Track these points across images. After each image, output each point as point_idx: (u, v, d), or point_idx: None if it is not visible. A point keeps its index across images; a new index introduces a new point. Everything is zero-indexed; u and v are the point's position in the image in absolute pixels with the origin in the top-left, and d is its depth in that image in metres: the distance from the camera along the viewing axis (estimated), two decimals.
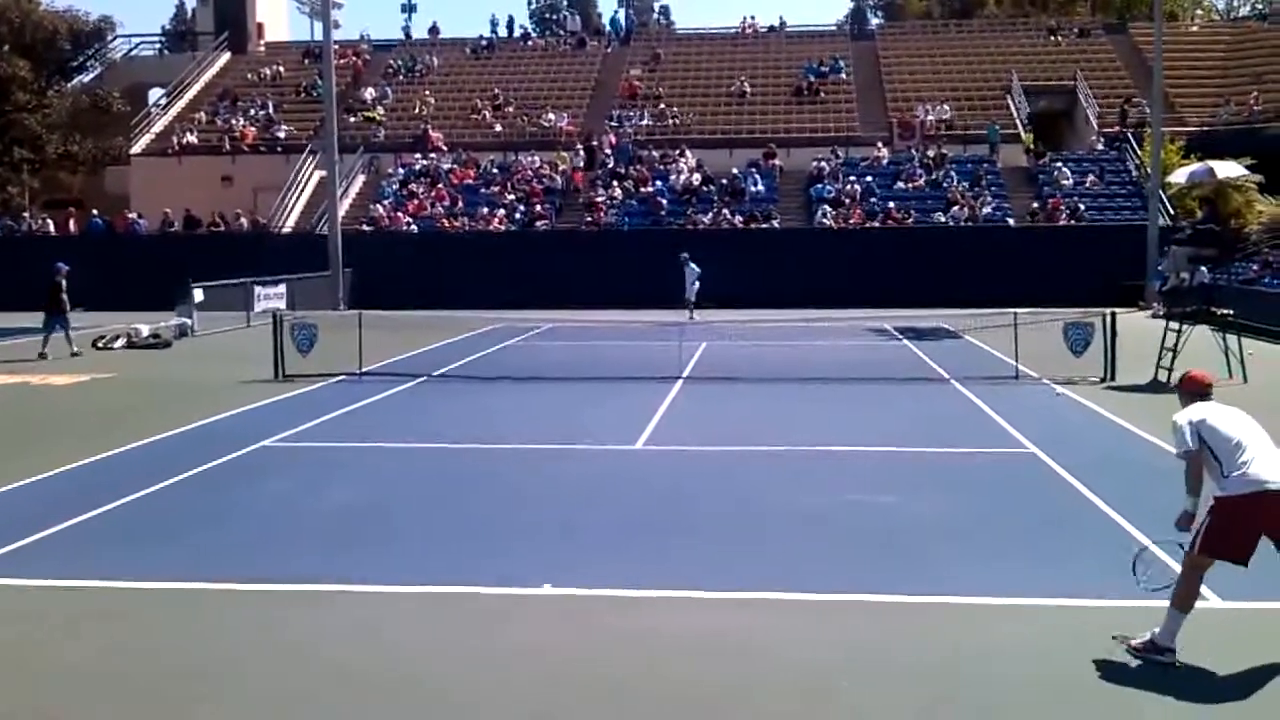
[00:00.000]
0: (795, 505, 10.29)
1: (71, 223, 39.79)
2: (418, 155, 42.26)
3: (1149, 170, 34.05)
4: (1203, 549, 6.43)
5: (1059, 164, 38.88)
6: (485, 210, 38.09)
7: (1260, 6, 59.76)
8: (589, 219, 37.42)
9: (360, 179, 41.95)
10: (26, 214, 42.64)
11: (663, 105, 45.04)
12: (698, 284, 30.44)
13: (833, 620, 7.26)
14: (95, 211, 39.99)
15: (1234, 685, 6.21)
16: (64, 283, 23.14)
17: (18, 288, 34.46)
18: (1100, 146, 40.14)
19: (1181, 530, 6.51)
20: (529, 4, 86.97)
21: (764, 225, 36.59)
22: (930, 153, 39.74)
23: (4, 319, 31.18)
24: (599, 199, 38.18)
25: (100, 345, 23.96)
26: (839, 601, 7.55)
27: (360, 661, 6.58)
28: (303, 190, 41.10)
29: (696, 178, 39.22)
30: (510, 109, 45.70)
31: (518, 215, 38.19)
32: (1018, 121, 41.97)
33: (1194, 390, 7.06)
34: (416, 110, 45.92)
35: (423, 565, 8.51)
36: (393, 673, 6.44)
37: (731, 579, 7.95)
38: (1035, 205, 36.80)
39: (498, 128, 44.51)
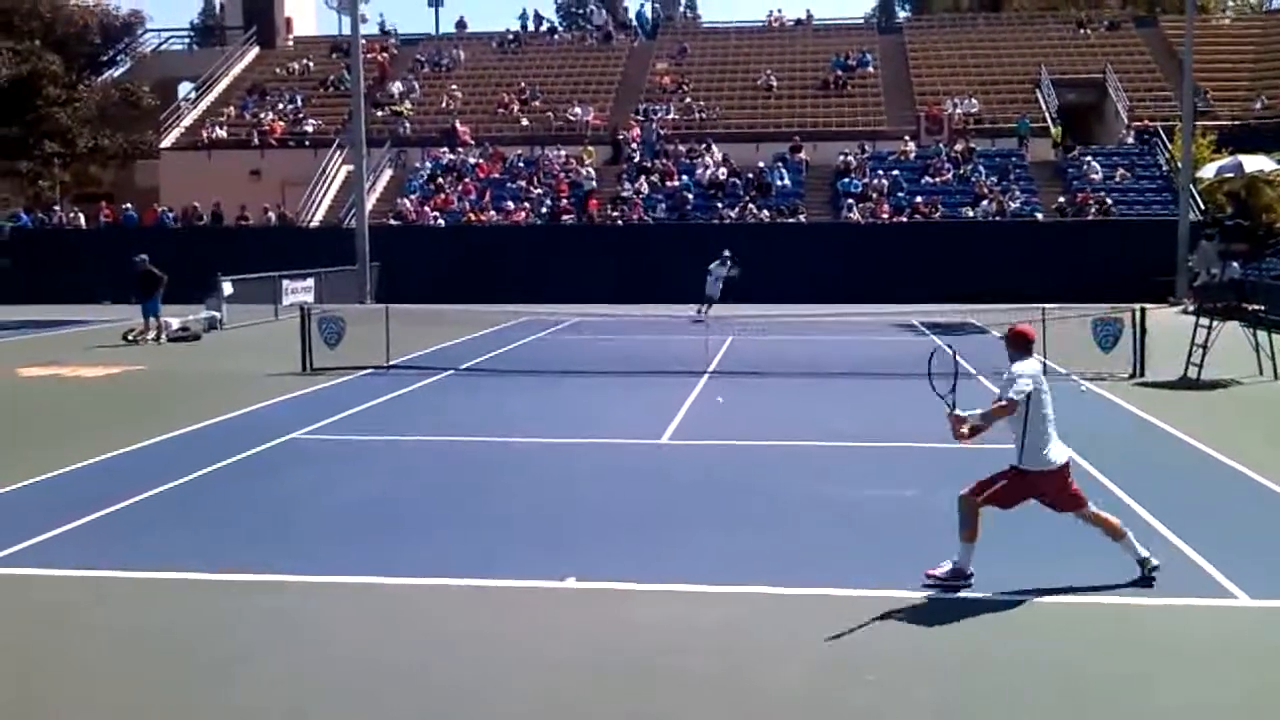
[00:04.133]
0: (819, 499, 10.28)
1: (102, 216, 40.07)
2: (445, 149, 42.35)
3: (1179, 164, 33.76)
4: (987, 500, 7.55)
5: (1088, 158, 38.60)
6: (511, 204, 38.15)
7: None
8: (615, 213, 37.39)
9: (387, 173, 42.10)
10: (57, 207, 43.01)
11: (689, 99, 44.98)
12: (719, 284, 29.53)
13: (856, 614, 7.23)
14: (129, 205, 40.28)
15: (1259, 683, 6.17)
16: (155, 271, 24.41)
17: (47, 279, 35.01)
18: (1130, 140, 39.84)
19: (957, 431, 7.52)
20: None
21: (790, 220, 36.50)
22: (958, 147, 39.51)
23: (41, 311, 31.53)
24: (625, 193, 38.17)
25: (130, 338, 24.16)
26: (862, 597, 7.53)
27: (384, 652, 6.62)
28: (330, 184, 41.29)
29: (723, 172, 39.14)
30: (537, 103, 45.75)
31: (544, 209, 38.24)
32: (1047, 115, 41.70)
33: (1028, 345, 7.80)
34: (443, 104, 46.04)
35: (448, 558, 8.55)
36: (415, 663, 6.48)
37: (755, 573, 7.95)
38: (1064, 200, 36.56)
39: (524, 122, 44.57)
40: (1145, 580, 7.53)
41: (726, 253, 28.84)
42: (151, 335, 24.25)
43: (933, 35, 50.14)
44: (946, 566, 7.61)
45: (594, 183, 39.49)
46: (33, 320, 29.37)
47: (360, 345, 19.56)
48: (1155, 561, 7.58)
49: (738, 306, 29.55)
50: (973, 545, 7.56)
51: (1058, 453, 7.54)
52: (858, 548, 8.77)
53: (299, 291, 31.52)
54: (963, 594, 7.54)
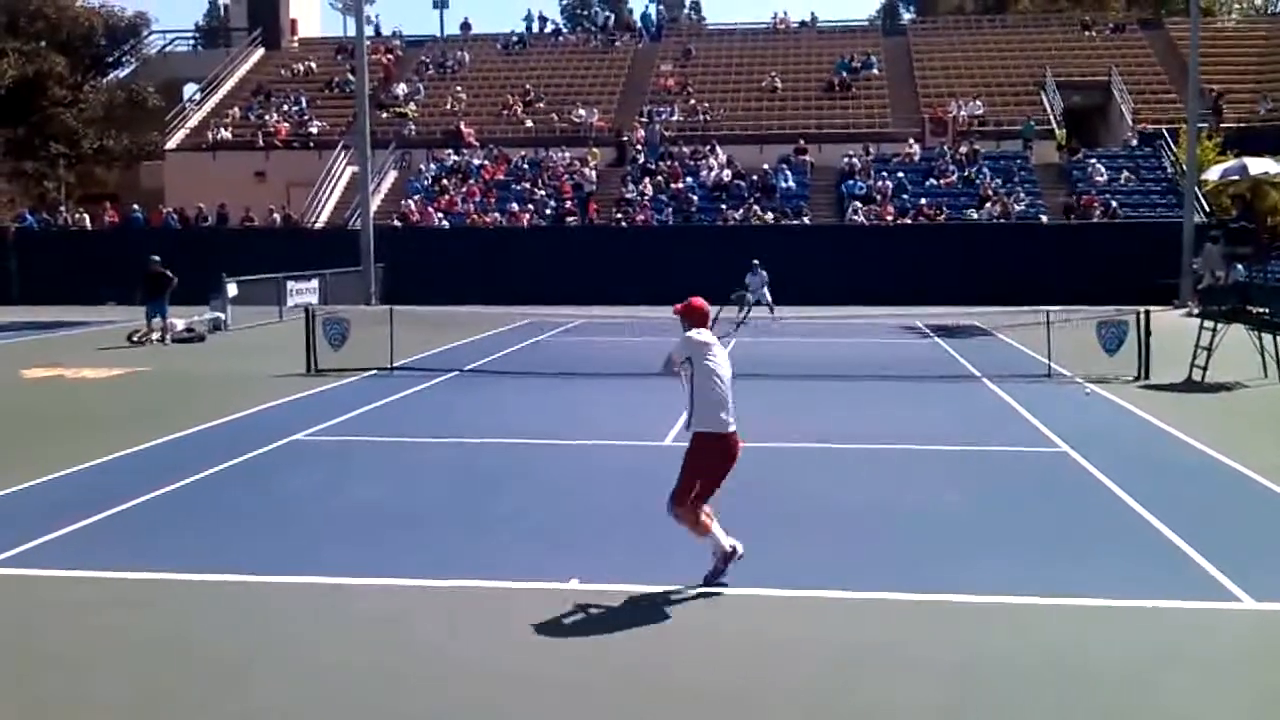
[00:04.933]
0: (823, 502, 10.28)
1: (107, 217, 40.13)
2: (449, 151, 42.42)
3: (1184, 167, 33.73)
4: (695, 500, 7.62)
5: (1093, 160, 38.60)
6: (516, 206, 38.18)
7: None
8: (619, 214, 37.43)
9: (392, 174, 42.15)
10: (63, 208, 43.09)
11: (693, 101, 44.99)
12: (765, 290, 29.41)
13: (859, 618, 7.25)
14: (136, 207, 40.36)
15: (1263, 686, 6.16)
16: (164, 272, 24.47)
17: (52, 281, 35.05)
18: (1135, 143, 39.81)
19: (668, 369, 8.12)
20: (560, 0, 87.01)
21: (795, 222, 36.50)
22: (962, 149, 39.52)
23: (45, 312, 31.60)
24: (629, 195, 38.20)
25: (135, 339, 24.20)
26: (866, 600, 7.54)
27: (387, 654, 6.63)
28: (335, 186, 41.35)
29: (727, 174, 39.16)
30: (541, 105, 45.79)
31: (548, 211, 38.27)
32: (1051, 117, 41.69)
33: (701, 317, 8.08)
34: (448, 106, 46.08)
35: (450, 559, 8.56)
36: (421, 664, 6.49)
37: (758, 575, 7.94)
38: (1069, 202, 36.54)
39: (529, 123, 44.60)
40: (711, 580, 7.73)
41: (755, 261, 28.89)
42: (156, 336, 24.28)
43: (937, 37, 50.14)
44: (711, 564, 7.74)
45: (593, 185, 39.49)
46: (37, 322, 29.43)
47: (364, 347, 19.58)
48: (739, 553, 7.77)
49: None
50: (712, 532, 7.69)
51: (733, 420, 7.75)
52: (861, 549, 8.77)
53: (303, 293, 31.55)
54: (966, 596, 7.53)
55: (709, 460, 7.66)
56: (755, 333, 24.71)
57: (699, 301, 8.09)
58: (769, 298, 28.30)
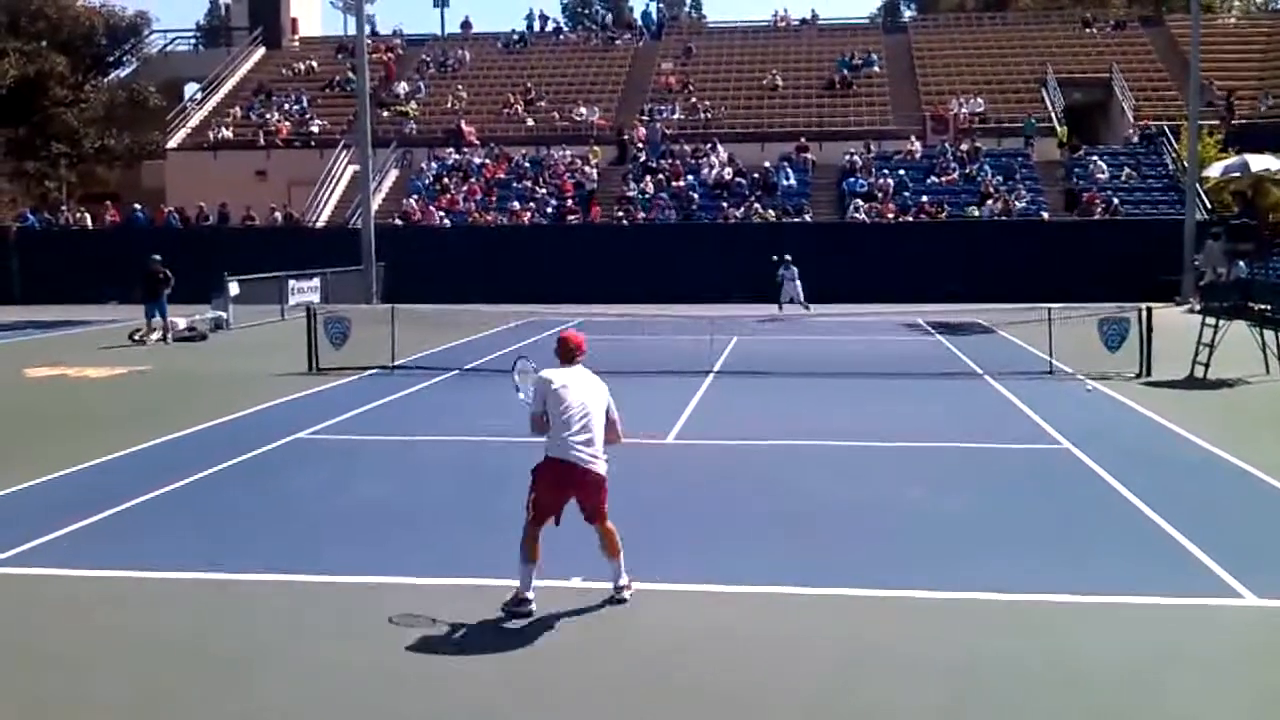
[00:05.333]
0: (826, 500, 10.27)
1: (109, 216, 40.12)
2: (450, 150, 42.40)
3: (1185, 164, 33.70)
4: (535, 518, 7.34)
5: (1094, 157, 38.55)
6: (517, 204, 38.17)
7: None
8: (620, 213, 37.43)
9: (393, 173, 42.14)
10: (64, 208, 43.08)
11: (694, 99, 44.97)
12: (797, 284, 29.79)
13: (859, 616, 7.24)
14: (138, 206, 40.34)
15: (1265, 683, 6.15)
16: (163, 272, 24.42)
17: (53, 280, 35.07)
18: (1136, 140, 39.76)
19: (536, 429, 7.54)
20: None
21: (796, 219, 36.47)
22: (963, 146, 39.49)
23: (47, 311, 31.62)
24: (630, 193, 38.19)
25: (136, 338, 24.21)
26: (868, 597, 7.54)
27: (387, 654, 6.62)
28: (336, 185, 41.33)
29: (728, 172, 39.13)
30: (542, 103, 45.77)
31: (549, 209, 38.26)
32: (1052, 115, 41.64)
33: (566, 353, 7.81)
34: (449, 105, 46.07)
35: (453, 558, 8.57)
36: (422, 663, 6.49)
37: (760, 573, 7.95)
38: (1071, 197, 36.49)
39: (530, 122, 44.59)
40: (613, 601, 7.48)
41: (788, 257, 29.26)
42: (156, 336, 24.28)
43: (938, 35, 50.12)
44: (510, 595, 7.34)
45: (594, 183, 39.46)
46: (39, 321, 29.45)
47: (366, 345, 19.58)
48: (627, 595, 7.49)
49: (746, 307, 29.56)
50: (531, 567, 7.27)
51: (584, 453, 7.46)
52: (863, 547, 8.75)
53: (305, 292, 31.55)
54: (966, 595, 7.52)
55: (543, 483, 7.42)
56: (757, 331, 24.71)
57: (566, 336, 7.87)
58: (800, 293, 28.68)
